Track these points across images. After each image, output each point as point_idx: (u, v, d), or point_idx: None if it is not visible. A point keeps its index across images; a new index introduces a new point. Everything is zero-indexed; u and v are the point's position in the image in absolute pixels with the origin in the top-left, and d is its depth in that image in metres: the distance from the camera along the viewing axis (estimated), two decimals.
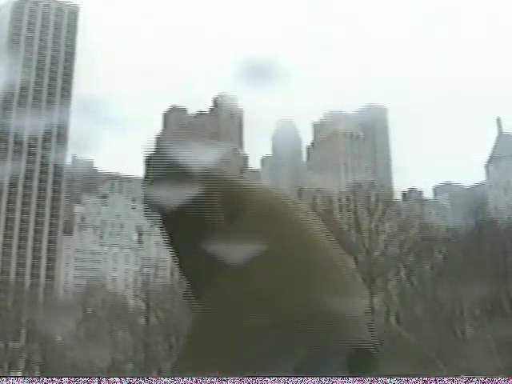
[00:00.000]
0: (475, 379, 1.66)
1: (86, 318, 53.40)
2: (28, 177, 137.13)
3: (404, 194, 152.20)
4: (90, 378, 1.58)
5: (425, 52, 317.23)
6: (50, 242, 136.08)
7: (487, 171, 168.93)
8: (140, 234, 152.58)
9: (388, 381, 1.67)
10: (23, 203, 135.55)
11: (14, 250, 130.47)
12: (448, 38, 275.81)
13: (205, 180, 2.29)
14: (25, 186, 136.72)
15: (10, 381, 1.55)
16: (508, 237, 36.70)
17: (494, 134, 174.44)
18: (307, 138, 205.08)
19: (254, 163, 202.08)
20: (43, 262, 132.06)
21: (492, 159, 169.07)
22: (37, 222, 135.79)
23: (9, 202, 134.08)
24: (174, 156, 2.38)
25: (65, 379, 1.58)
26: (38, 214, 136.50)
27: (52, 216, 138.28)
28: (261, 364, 2.07)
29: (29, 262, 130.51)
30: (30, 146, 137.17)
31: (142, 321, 49.13)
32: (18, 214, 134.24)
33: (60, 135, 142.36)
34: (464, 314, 35.51)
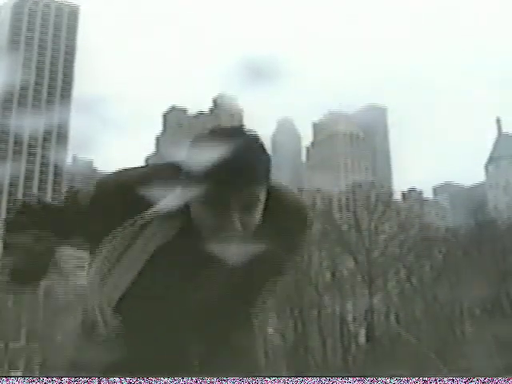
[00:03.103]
0: (475, 379, 1.66)
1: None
2: (28, 177, 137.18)
3: (404, 194, 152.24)
4: (89, 378, 1.58)
5: (425, 52, 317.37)
6: None
7: (487, 171, 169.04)
8: None
9: (388, 381, 1.67)
10: None
11: None
12: (448, 38, 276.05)
13: None
14: (25, 186, 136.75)
15: (10, 381, 1.56)
16: (508, 237, 36.73)
17: (494, 134, 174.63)
18: (307, 138, 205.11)
19: None
20: None
21: (492, 159, 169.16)
22: None
23: (9, 202, 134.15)
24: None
25: (65, 379, 1.59)
26: None
27: None
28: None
29: None
30: (30, 146, 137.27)
31: None
32: None
33: (60, 135, 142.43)
34: (464, 314, 35.54)
